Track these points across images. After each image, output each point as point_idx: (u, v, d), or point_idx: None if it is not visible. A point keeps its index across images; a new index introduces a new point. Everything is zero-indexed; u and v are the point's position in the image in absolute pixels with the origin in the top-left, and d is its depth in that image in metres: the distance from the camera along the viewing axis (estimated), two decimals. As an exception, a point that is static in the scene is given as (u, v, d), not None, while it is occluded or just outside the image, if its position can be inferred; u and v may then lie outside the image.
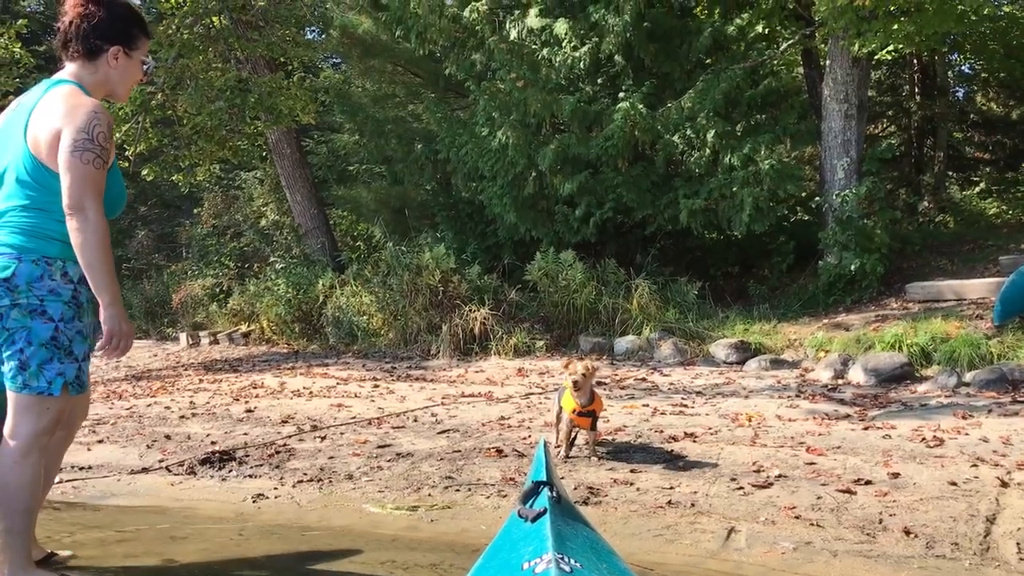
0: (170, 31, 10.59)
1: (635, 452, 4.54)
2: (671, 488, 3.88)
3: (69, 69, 2.87)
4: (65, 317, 2.74)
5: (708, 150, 8.92)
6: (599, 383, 6.88)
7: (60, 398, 2.77)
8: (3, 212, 2.74)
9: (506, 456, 4.60)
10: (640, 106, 8.82)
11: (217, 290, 13.34)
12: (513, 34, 9.94)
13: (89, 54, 2.84)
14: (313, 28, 14.79)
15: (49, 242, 2.73)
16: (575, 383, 4.16)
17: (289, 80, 11.36)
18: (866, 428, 4.87)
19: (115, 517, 3.92)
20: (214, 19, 11.12)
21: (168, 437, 5.59)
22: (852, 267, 8.70)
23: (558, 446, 4.43)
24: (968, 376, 6.14)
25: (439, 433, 5.28)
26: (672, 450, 4.51)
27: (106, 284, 2.69)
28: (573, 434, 4.46)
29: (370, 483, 4.23)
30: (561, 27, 9.60)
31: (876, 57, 9.11)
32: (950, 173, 16.73)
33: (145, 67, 3.01)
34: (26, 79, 12.12)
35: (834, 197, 9.18)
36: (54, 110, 2.70)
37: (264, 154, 13.88)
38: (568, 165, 9.39)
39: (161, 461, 4.94)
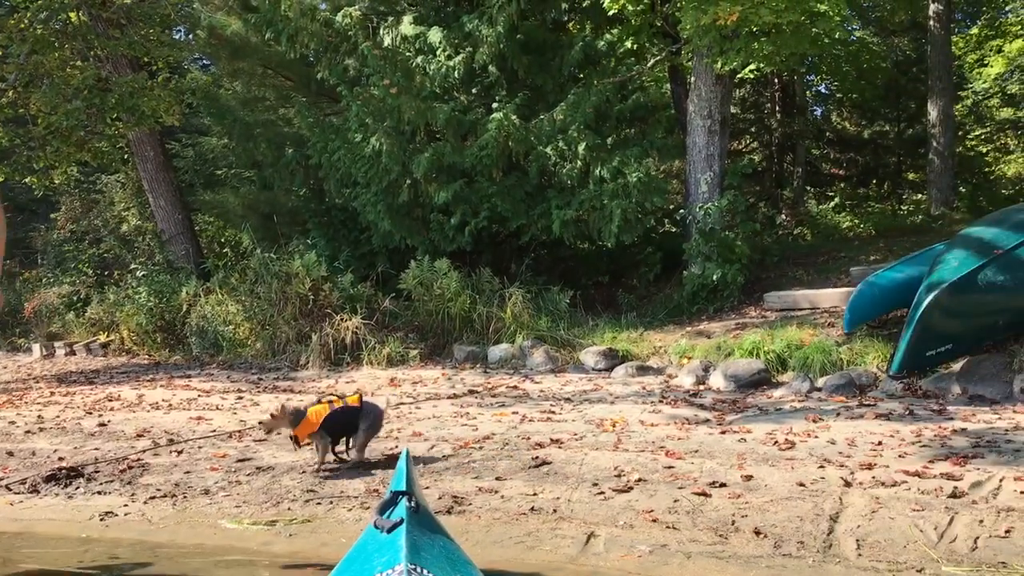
0: (23, 25, 10.03)
1: (502, 460, 4.55)
2: (535, 495, 3.91)
3: None
4: None
5: (579, 162, 9.07)
6: (470, 392, 6.89)
7: None
8: None
9: (371, 468, 4.53)
10: (513, 117, 8.90)
11: (74, 298, 12.66)
12: (387, 40, 9.87)
13: None
14: (179, 28, 14.28)
15: None
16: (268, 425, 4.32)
17: (153, 80, 10.91)
18: (723, 432, 5.04)
19: (-57, 542, 3.65)
20: (72, 14, 10.59)
21: (11, 454, 5.26)
22: (714, 277, 9.02)
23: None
24: (820, 381, 6.45)
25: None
26: (538, 456, 4.55)
27: None
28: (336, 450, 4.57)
29: (227, 498, 4.09)
30: (435, 35, 9.60)
31: (739, 75, 9.50)
32: (808, 188, 17.63)
33: None
34: None
35: (698, 210, 9.50)
36: None
37: (126, 157, 13.28)
38: (443, 174, 9.37)
39: (1, 479, 4.64)
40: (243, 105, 12.19)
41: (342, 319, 8.95)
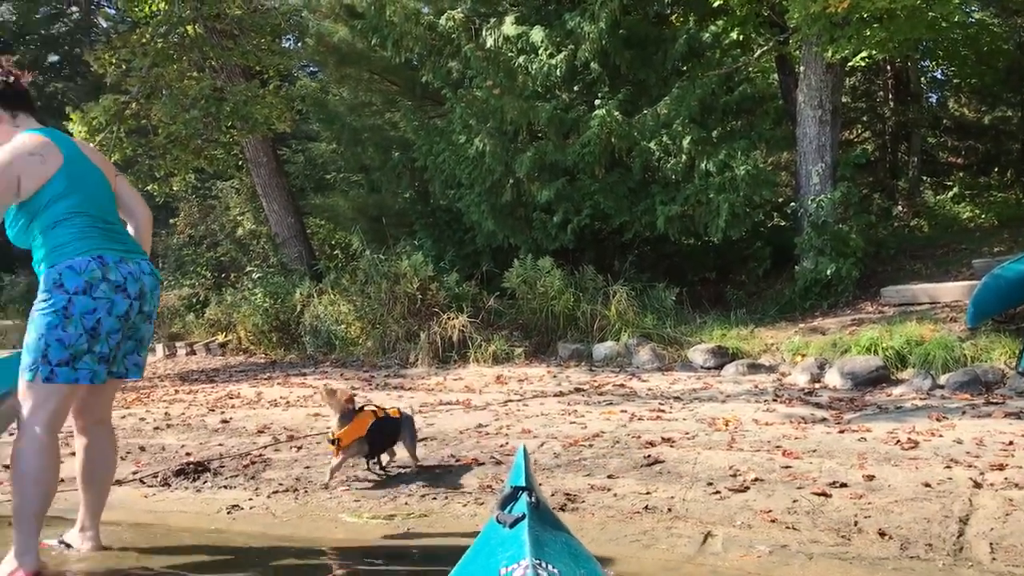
0: (144, 40, 10.53)
1: (612, 458, 4.54)
2: (648, 493, 3.88)
3: (31, 122, 3.26)
4: None
5: (684, 156, 8.96)
6: (576, 389, 6.89)
7: None
8: (116, 223, 3.30)
9: (483, 464, 4.58)
10: (616, 113, 8.86)
11: (194, 300, 13.26)
12: (489, 42, 9.96)
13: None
14: (289, 36, 14.75)
15: None
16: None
17: (265, 88, 11.30)
18: (842, 431, 4.89)
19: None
20: (188, 28, 11.06)
21: (142, 448, 5.53)
22: (828, 271, 8.77)
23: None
24: (942, 378, 6.19)
25: (417, 442, 5.24)
26: (649, 455, 4.51)
27: None
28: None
29: (346, 492, 4.20)
30: (537, 35, 9.63)
31: (850, 63, 9.20)
32: (924, 178, 16.91)
33: None
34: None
35: (809, 202, 9.25)
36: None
37: (240, 163, 13.80)
38: (545, 172, 9.41)
39: (135, 473, 4.88)
40: (350, 111, 12.51)
41: (449, 318, 9.08)
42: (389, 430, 4.32)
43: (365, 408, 4.28)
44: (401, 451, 4.55)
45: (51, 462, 3.07)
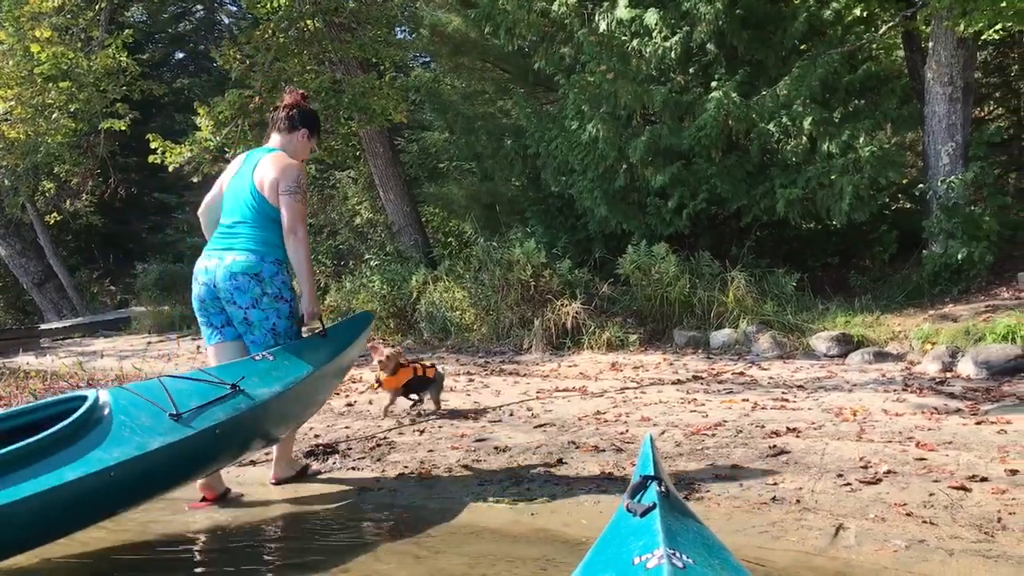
0: (266, 35, 10.88)
1: (736, 448, 4.47)
2: (775, 484, 3.81)
3: (275, 139, 4.22)
4: (292, 298, 4.10)
5: (805, 138, 8.69)
6: (695, 377, 6.81)
7: None
8: (234, 225, 4.03)
9: (604, 451, 4.59)
10: (734, 95, 8.65)
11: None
12: (602, 26, 9.87)
13: (290, 130, 4.21)
14: (403, 28, 14.99)
15: (276, 248, 3.99)
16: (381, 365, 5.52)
17: (381, 80, 11.52)
18: (979, 423, 4.68)
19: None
20: (308, 22, 11.37)
21: (273, 430, 5.74)
22: (959, 256, 8.37)
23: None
24: (1089, 369, 5.85)
25: (536, 427, 5.30)
26: (774, 445, 4.43)
27: (309, 281, 4.06)
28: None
29: (471, 476, 4.28)
30: (651, 17, 9.48)
31: (983, 37, 8.73)
32: (1064, 155, 15.89)
33: (312, 152, 4.46)
34: (131, 86, 12.65)
35: (939, 184, 8.84)
36: (273, 165, 4.01)
37: (358, 153, 14.13)
38: (660, 157, 9.28)
39: (267, 454, 5.08)
40: (463, 100, 12.64)
41: (562, 304, 9.10)
42: (421, 383, 5.71)
43: (411, 365, 5.66)
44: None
45: None
